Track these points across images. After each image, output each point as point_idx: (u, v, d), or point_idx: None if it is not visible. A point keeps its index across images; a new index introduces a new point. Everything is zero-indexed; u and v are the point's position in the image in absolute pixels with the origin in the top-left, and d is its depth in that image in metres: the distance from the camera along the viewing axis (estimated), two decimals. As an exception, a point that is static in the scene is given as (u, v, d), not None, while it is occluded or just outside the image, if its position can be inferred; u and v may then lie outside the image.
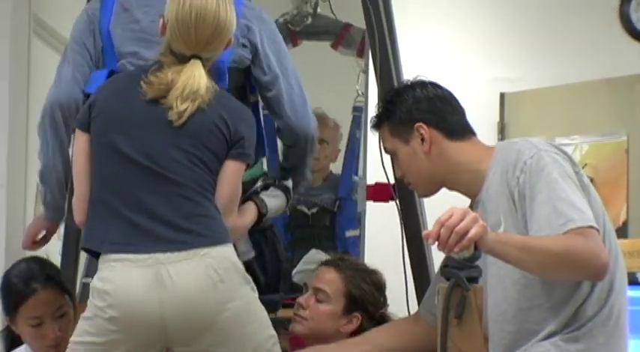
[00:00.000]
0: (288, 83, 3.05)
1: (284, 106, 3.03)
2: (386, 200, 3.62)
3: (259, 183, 3.03)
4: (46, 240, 3.29)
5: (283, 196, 3.10)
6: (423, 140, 2.89)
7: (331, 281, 3.23)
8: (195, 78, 2.71)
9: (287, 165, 3.21)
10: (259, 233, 3.11)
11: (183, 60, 2.73)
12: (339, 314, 3.21)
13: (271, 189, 3.05)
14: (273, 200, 3.03)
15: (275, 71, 3.04)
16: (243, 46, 2.98)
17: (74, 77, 3.01)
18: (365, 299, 3.24)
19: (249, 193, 2.97)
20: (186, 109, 2.69)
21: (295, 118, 3.04)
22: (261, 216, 2.98)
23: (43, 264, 3.31)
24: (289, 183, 3.15)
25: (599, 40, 5.63)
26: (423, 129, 2.89)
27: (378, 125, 3.04)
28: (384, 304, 3.36)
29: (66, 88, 3.00)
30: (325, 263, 3.34)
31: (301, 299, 3.24)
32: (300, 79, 3.11)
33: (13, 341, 3.36)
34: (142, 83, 2.72)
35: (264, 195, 3.01)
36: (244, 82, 3.05)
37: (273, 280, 3.06)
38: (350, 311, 3.22)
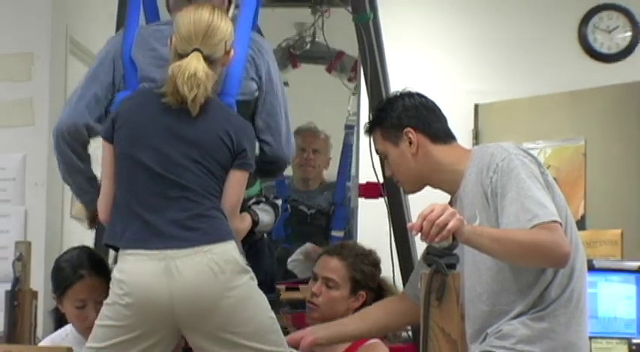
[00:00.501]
0: (280, 102, 3.03)
1: (274, 135, 3.00)
2: (376, 197, 3.64)
3: (253, 200, 3.01)
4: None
5: (272, 212, 3.09)
6: (410, 143, 2.88)
7: (337, 269, 3.27)
8: (192, 63, 2.70)
9: (258, 175, 3.14)
10: (251, 245, 3.08)
11: (186, 57, 2.74)
12: (347, 296, 3.26)
13: (262, 204, 3.05)
14: (264, 213, 3.03)
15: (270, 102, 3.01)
16: (252, 79, 2.96)
17: (76, 107, 2.96)
18: (367, 279, 3.30)
19: (245, 206, 2.95)
20: (196, 95, 2.68)
21: (280, 146, 3.02)
22: (254, 224, 2.97)
23: (91, 253, 3.28)
24: (279, 201, 3.15)
25: (561, 58, 5.66)
26: (411, 133, 2.88)
27: (370, 130, 3.03)
28: (379, 274, 3.40)
29: (65, 117, 2.97)
30: (328, 252, 3.37)
31: (314, 288, 3.27)
32: (288, 109, 3.07)
33: (61, 319, 3.34)
34: (160, 99, 2.74)
35: (256, 208, 3.00)
36: (253, 111, 3.00)
37: (267, 283, 3.05)
38: (356, 291, 3.27)
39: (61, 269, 3.24)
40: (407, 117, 2.92)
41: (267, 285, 3.00)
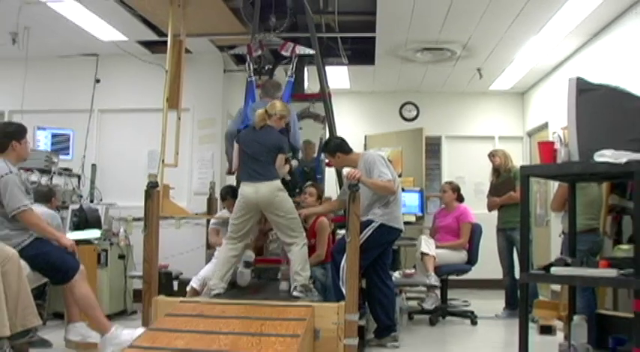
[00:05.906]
0: (296, 132, 2.84)
1: (292, 139, 2.79)
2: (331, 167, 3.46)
3: (289, 156, 2.77)
4: None
5: (297, 163, 2.91)
6: (345, 154, 2.76)
7: (313, 191, 3.03)
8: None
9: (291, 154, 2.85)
10: (288, 181, 2.83)
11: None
12: (315, 200, 3.00)
13: (294, 160, 2.84)
14: (294, 163, 2.84)
15: (291, 129, 2.81)
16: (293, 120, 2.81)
17: (232, 126, 2.89)
18: (321, 194, 3.08)
19: (287, 161, 2.73)
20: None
21: (296, 143, 2.84)
22: (290, 168, 2.78)
23: (233, 188, 3.02)
24: (295, 162, 2.90)
25: (392, 120, 5.35)
26: (342, 154, 2.77)
27: (335, 152, 2.80)
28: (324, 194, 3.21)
29: (230, 128, 2.93)
30: (308, 186, 3.11)
31: (306, 197, 3.02)
32: (298, 131, 2.89)
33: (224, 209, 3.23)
34: (254, 129, 2.61)
35: (291, 161, 2.80)
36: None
37: (292, 194, 2.86)
38: (319, 199, 3.05)
39: (221, 195, 3.12)
40: (343, 148, 2.76)
41: (294, 194, 2.88)
